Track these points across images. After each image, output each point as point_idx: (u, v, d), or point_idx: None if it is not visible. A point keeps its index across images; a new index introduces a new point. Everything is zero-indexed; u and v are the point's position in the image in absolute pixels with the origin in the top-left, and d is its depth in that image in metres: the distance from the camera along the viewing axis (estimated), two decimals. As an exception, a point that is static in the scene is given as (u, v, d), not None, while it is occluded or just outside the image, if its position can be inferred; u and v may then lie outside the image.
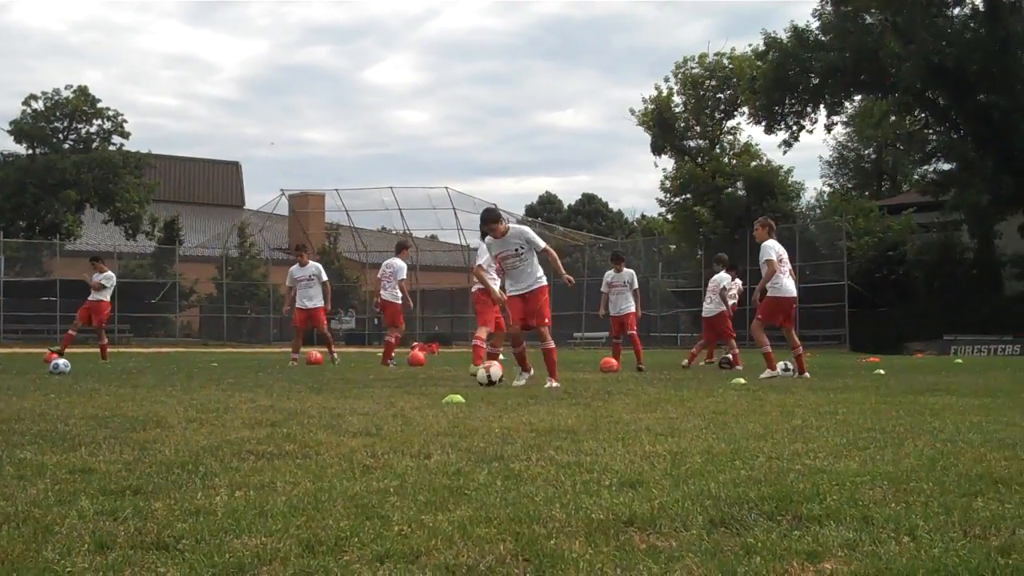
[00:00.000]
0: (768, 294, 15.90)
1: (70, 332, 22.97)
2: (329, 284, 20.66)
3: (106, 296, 22.56)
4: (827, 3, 41.77)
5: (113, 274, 23.23)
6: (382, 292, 20.34)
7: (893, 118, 48.05)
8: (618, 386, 12.71)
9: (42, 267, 52.87)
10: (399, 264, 20.41)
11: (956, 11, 40.90)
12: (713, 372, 18.04)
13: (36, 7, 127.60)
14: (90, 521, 3.94)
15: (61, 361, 16.25)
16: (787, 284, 15.92)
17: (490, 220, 13.15)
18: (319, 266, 21.03)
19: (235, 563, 3.34)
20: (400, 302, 20.42)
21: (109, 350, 23.42)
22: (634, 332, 19.34)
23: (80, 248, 50.88)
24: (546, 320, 12.99)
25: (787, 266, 16.11)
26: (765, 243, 16.04)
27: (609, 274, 19.40)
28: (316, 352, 19.76)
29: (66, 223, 52.99)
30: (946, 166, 43.50)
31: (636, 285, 19.25)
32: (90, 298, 22.51)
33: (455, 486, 4.71)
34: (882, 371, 17.66)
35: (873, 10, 40.66)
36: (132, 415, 8.23)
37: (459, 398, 9.83)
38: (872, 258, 42.56)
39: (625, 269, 19.40)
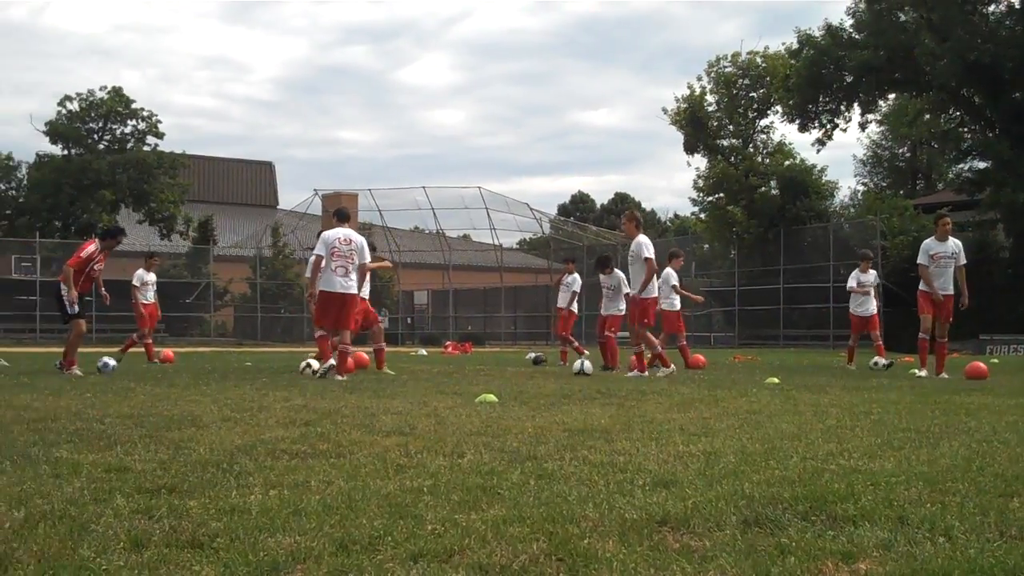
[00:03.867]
0: (643, 296, 15.68)
1: (148, 340, 22.34)
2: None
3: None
4: (861, 1, 41.52)
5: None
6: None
7: (928, 116, 47.72)
8: (651, 386, 12.69)
9: (78, 267, 53.08)
10: (668, 271, 20.22)
11: (992, 8, 40.53)
12: (747, 372, 17.95)
13: (72, 9, 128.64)
14: (125, 519, 3.96)
15: (111, 361, 16.30)
16: (653, 284, 15.93)
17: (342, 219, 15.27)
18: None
19: (269, 561, 3.35)
20: (678, 309, 20.23)
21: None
22: (876, 332, 20.66)
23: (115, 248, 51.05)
24: (349, 325, 14.94)
25: None
26: (643, 239, 15.72)
27: (855, 274, 20.21)
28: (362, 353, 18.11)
29: (101, 223, 53.20)
30: (981, 164, 43.15)
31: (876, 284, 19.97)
32: (145, 301, 22.03)
33: (488, 485, 4.72)
34: (917, 371, 17.55)
35: (908, 7, 40.38)
36: (167, 414, 8.27)
37: (492, 397, 9.83)
38: (907, 257, 42.03)
39: (871, 271, 20.14)
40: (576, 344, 21.75)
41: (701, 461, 5.55)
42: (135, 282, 22.02)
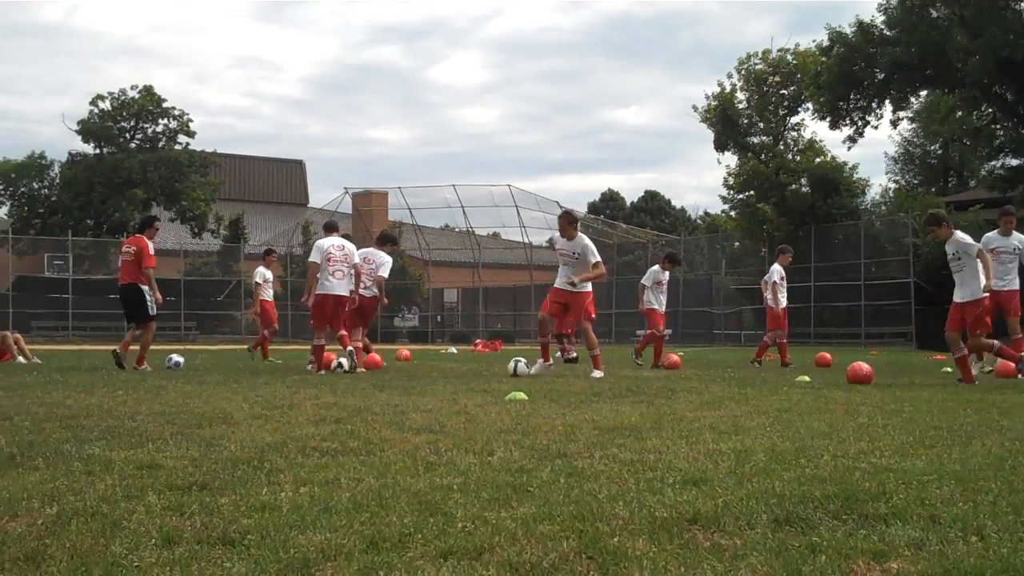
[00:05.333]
0: (586, 290, 15.22)
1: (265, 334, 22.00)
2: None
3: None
4: (893, -3, 41.34)
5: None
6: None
7: (960, 113, 47.48)
8: (681, 384, 12.66)
9: (109, 265, 53.46)
10: (775, 267, 20.14)
11: (1024, 4, 40.32)
12: (777, 370, 17.89)
13: (105, 9, 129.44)
14: (157, 516, 3.98)
15: (181, 359, 16.65)
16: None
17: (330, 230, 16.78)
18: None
19: (300, 559, 3.36)
20: (783, 307, 20.13)
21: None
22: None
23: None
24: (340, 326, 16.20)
25: None
26: (588, 241, 15.19)
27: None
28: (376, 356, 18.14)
29: (133, 221, 53.56)
30: (1014, 161, 42.93)
31: None
32: (267, 298, 21.80)
33: (518, 483, 4.71)
34: (949, 369, 17.45)
35: (940, 4, 40.14)
36: (198, 411, 8.30)
37: (522, 395, 9.83)
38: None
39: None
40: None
41: (731, 459, 5.53)
42: (258, 279, 21.61)
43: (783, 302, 19.86)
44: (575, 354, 20.49)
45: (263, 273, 21.72)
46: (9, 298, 46.28)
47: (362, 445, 6.08)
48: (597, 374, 14.69)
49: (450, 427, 7.11)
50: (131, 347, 16.46)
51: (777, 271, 19.97)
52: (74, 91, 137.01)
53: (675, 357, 19.10)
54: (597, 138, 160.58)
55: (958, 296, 13.62)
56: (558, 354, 17.86)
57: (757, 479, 4.84)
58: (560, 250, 15.29)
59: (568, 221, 15.40)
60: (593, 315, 15.58)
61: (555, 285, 15.22)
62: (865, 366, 13.64)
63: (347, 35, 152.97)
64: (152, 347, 17.02)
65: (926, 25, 40.23)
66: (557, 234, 15.58)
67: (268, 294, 21.90)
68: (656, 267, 19.66)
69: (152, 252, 16.44)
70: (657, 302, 19.26)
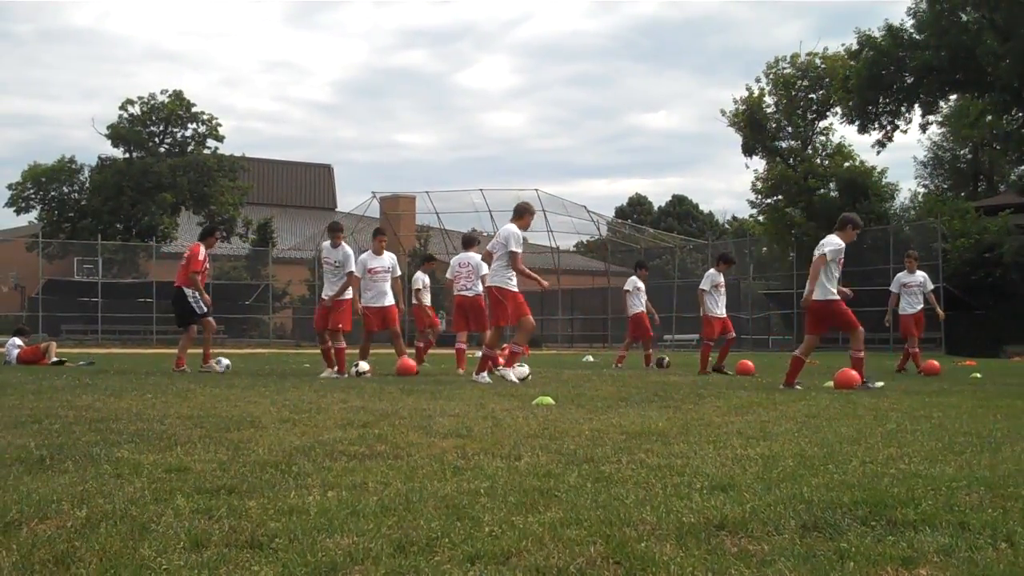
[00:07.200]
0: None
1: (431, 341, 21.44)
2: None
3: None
4: (922, 1, 41.14)
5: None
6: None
7: (989, 117, 47.23)
8: (709, 389, 12.64)
9: (138, 269, 53.81)
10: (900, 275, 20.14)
11: (1055, 7, 40.09)
12: (806, 376, 17.82)
13: (136, 14, 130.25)
14: (186, 519, 4.00)
15: (226, 361, 16.96)
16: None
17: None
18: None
19: (328, 562, 3.37)
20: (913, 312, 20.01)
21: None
22: None
23: (175, 250, 51.63)
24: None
25: None
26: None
27: None
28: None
29: (162, 225, 53.90)
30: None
31: None
32: (424, 303, 21.05)
33: (545, 488, 4.71)
34: (979, 374, 17.37)
35: (970, 8, 39.95)
36: (226, 415, 8.33)
37: (549, 400, 9.83)
38: (968, 260, 41.77)
39: None
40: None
41: (759, 465, 5.52)
42: (418, 284, 21.13)
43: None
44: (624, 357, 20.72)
45: (422, 279, 21.35)
46: (39, 301, 46.63)
47: (389, 449, 6.09)
48: (498, 376, 14.56)
49: (477, 431, 7.12)
50: (190, 351, 17.37)
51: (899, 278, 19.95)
52: (104, 96, 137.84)
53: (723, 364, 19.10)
54: (625, 142, 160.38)
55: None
56: (586, 355, 17.79)
57: (785, 485, 4.83)
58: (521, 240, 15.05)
59: (530, 212, 15.85)
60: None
61: (516, 288, 15.20)
62: (854, 373, 13.59)
63: (376, 39, 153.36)
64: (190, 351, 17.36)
65: (956, 29, 40.07)
66: (514, 227, 15.42)
67: (427, 299, 21.48)
68: (712, 270, 19.63)
69: (201, 258, 16.84)
70: (716, 306, 19.25)
